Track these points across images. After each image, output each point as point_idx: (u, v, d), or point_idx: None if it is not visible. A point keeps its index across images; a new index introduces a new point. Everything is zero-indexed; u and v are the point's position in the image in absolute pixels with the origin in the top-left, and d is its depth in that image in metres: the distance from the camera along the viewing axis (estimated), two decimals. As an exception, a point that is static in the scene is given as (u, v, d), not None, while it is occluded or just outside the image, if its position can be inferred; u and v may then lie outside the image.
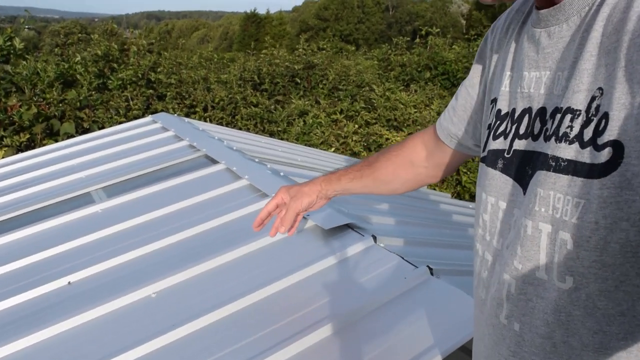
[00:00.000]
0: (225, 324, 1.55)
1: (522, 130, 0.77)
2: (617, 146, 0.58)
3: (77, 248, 2.10)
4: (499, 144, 0.82)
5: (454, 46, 8.84)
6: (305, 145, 5.89)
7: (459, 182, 6.41)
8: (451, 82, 8.01)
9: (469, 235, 2.64)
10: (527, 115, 0.76)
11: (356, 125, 6.40)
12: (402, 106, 6.69)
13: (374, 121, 6.55)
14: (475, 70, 1.02)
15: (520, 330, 0.75)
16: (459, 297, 1.59)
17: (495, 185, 0.82)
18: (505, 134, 0.81)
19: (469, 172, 6.38)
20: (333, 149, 5.93)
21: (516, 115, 0.79)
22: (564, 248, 0.66)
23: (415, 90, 7.43)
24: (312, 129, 6.20)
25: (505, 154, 0.80)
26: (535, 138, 0.74)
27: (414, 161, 1.26)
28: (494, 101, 0.87)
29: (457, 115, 1.09)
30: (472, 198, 6.44)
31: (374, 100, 6.68)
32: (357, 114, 6.59)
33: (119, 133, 3.72)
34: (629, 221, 0.58)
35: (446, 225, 2.72)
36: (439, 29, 8.80)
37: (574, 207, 0.63)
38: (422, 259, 1.83)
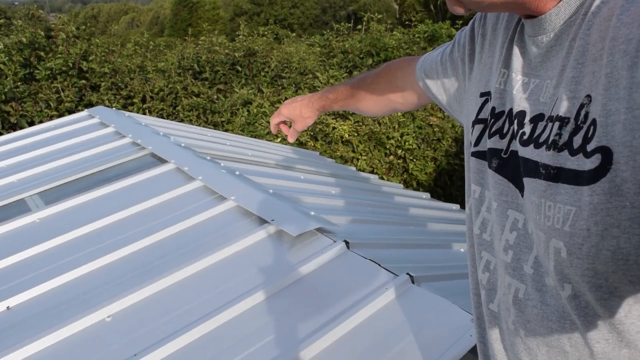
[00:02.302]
0: (194, 349, 1.41)
1: (517, 132, 0.75)
2: (605, 152, 0.58)
3: (15, 266, 1.88)
4: (494, 143, 0.81)
5: (394, 32, 8.82)
6: (251, 136, 5.70)
7: (405, 169, 6.40)
8: (393, 68, 7.95)
9: (436, 232, 2.58)
10: (515, 118, 0.76)
11: (301, 114, 6.24)
12: (346, 94, 6.57)
13: (319, 110, 6.42)
14: (464, 49, 0.99)
15: (526, 336, 0.75)
16: (444, 307, 1.50)
17: (490, 184, 0.82)
18: (501, 134, 0.80)
19: (415, 160, 6.38)
20: (279, 140, 5.77)
21: (513, 116, 0.77)
22: (558, 256, 0.65)
23: (359, 78, 7.34)
24: (257, 119, 6.00)
25: (502, 154, 0.79)
26: (515, 139, 0.75)
27: (390, 97, 1.33)
28: (488, 95, 0.86)
29: (443, 85, 1.11)
30: (419, 185, 6.46)
31: (318, 89, 6.55)
32: (302, 102, 6.43)
33: (53, 130, 3.42)
34: (620, 228, 0.58)
35: (411, 221, 2.64)
36: (380, 15, 8.75)
37: (566, 214, 0.63)
38: (398, 264, 1.74)
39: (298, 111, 1.52)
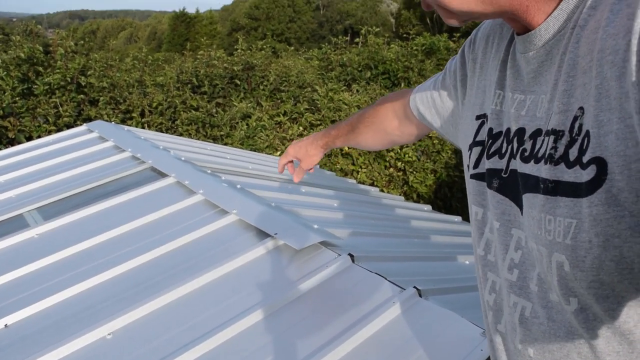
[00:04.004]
0: (196, 367, 1.37)
1: (515, 151, 0.76)
2: (600, 163, 0.58)
3: (13, 282, 1.84)
4: (494, 163, 0.81)
5: (392, 45, 8.85)
6: (250, 149, 5.68)
7: (405, 182, 6.38)
8: (392, 81, 7.98)
9: (440, 244, 2.55)
10: (514, 136, 0.77)
11: (301, 128, 6.24)
12: (345, 107, 6.58)
13: (318, 122, 6.42)
14: (455, 75, 1.01)
15: (535, 355, 0.74)
16: (453, 321, 1.47)
17: (492, 205, 0.82)
18: (500, 154, 0.80)
19: (415, 172, 6.36)
20: (279, 153, 5.76)
21: (510, 135, 0.78)
22: (561, 270, 0.65)
23: (357, 91, 7.34)
24: (257, 132, 5.99)
25: (502, 174, 0.79)
26: (514, 157, 0.76)
27: (387, 130, 1.35)
28: (484, 117, 0.86)
29: (437, 111, 1.12)
30: (419, 198, 6.43)
31: (317, 102, 6.53)
32: (301, 115, 6.42)
33: (51, 145, 3.40)
34: (621, 237, 0.58)
35: (414, 234, 2.62)
36: (378, 28, 8.79)
37: (567, 227, 0.63)
38: (405, 277, 1.71)
39: (304, 150, 1.57)
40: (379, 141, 1.42)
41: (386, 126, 1.35)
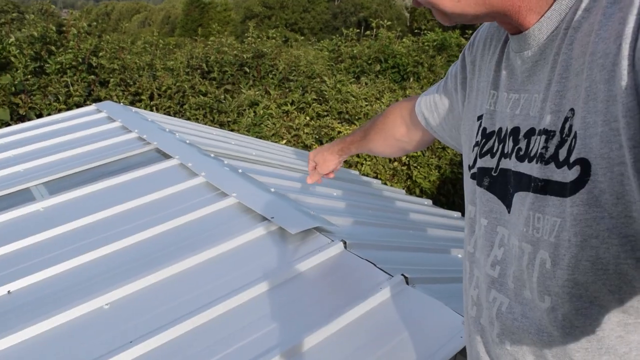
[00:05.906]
0: (188, 339, 1.43)
1: (506, 150, 0.78)
2: (584, 164, 0.60)
3: (17, 252, 1.91)
4: (485, 162, 0.83)
5: (403, 40, 8.85)
6: (256, 137, 5.73)
7: (409, 176, 6.41)
8: (401, 75, 8.00)
9: (435, 237, 2.60)
10: (510, 135, 0.78)
11: (307, 118, 6.28)
12: (353, 99, 6.61)
13: (325, 113, 6.45)
14: (455, 78, 1.04)
15: (512, 347, 0.77)
16: (437, 309, 1.52)
17: (481, 203, 0.84)
18: (492, 153, 0.82)
19: (419, 167, 6.39)
20: (284, 141, 5.80)
21: (502, 134, 0.80)
22: (543, 267, 0.67)
23: (366, 83, 7.36)
24: (263, 120, 6.04)
25: (492, 173, 0.81)
26: (508, 156, 0.77)
27: (396, 136, 1.40)
28: (480, 118, 0.88)
29: (439, 115, 1.16)
30: (422, 193, 6.46)
31: (325, 92, 6.56)
32: (308, 105, 6.47)
33: (60, 122, 3.46)
34: (598, 238, 0.59)
35: (411, 226, 2.66)
36: (390, 22, 8.79)
37: (552, 226, 0.64)
38: (394, 265, 1.76)
39: (321, 155, 1.68)
40: (390, 148, 1.46)
41: (395, 132, 1.39)
